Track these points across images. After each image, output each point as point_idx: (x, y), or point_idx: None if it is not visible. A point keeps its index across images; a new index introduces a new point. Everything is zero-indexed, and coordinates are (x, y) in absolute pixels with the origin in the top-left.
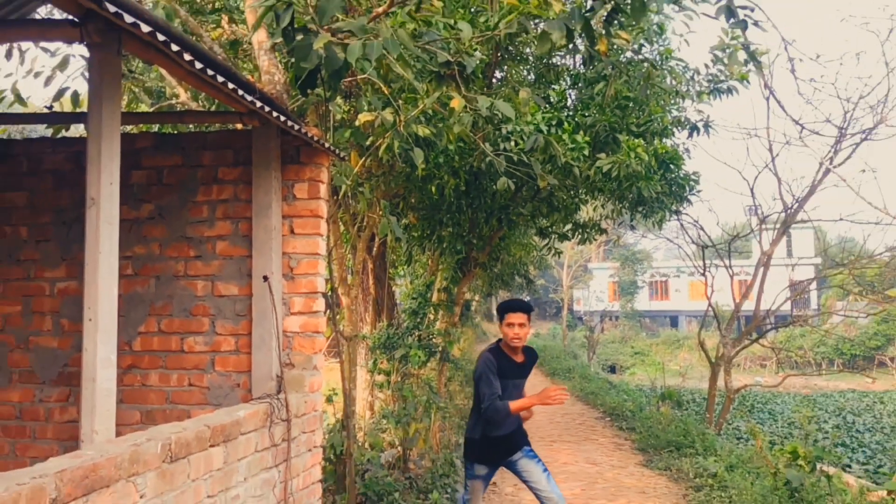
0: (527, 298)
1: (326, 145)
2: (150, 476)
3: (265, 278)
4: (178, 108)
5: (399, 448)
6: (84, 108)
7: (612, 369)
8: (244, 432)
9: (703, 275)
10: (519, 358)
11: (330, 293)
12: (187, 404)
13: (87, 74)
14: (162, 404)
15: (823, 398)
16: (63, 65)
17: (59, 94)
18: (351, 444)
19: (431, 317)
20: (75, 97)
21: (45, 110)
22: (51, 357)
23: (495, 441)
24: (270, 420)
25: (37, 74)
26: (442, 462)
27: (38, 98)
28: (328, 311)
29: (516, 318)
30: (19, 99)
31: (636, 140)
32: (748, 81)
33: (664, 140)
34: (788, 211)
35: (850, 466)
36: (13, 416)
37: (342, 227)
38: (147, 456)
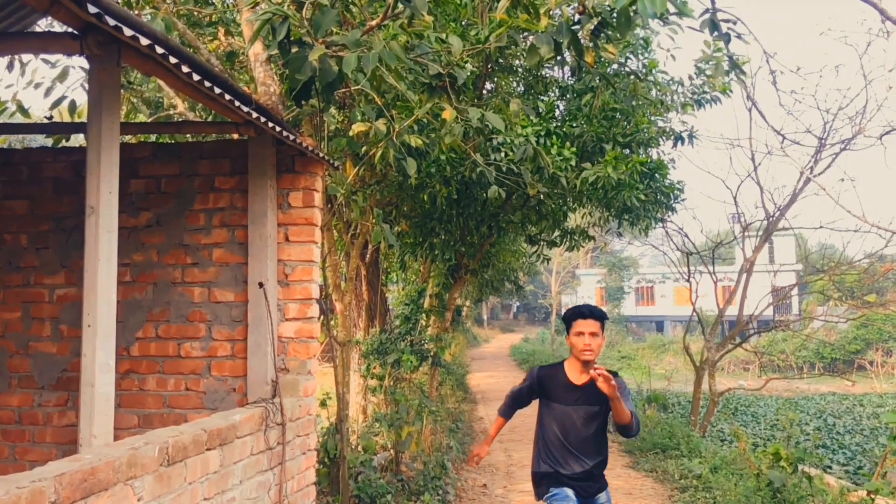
0: (516, 304)
1: (321, 155)
2: (148, 479)
3: (261, 285)
4: (176, 119)
5: (392, 451)
6: (82, 118)
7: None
8: (240, 436)
9: (688, 281)
10: (579, 378)
11: (324, 299)
12: (184, 408)
13: (86, 85)
14: (159, 408)
15: (805, 401)
16: (63, 76)
17: (57, 103)
18: (344, 447)
19: (423, 322)
20: (72, 106)
21: (46, 120)
22: (50, 362)
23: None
24: (266, 424)
25: (37, 85)
26: (434, 464)
27: (39, 108)
28: (322, 317)
29: (587, 325)
30: (21, 110)
31: (615, 151)
32: (730, 92)
33: (650, 150)
34: (770, 219)
35: (830, 467)
36: (13, 421)
37: (336, 235)
38: (145, 459)
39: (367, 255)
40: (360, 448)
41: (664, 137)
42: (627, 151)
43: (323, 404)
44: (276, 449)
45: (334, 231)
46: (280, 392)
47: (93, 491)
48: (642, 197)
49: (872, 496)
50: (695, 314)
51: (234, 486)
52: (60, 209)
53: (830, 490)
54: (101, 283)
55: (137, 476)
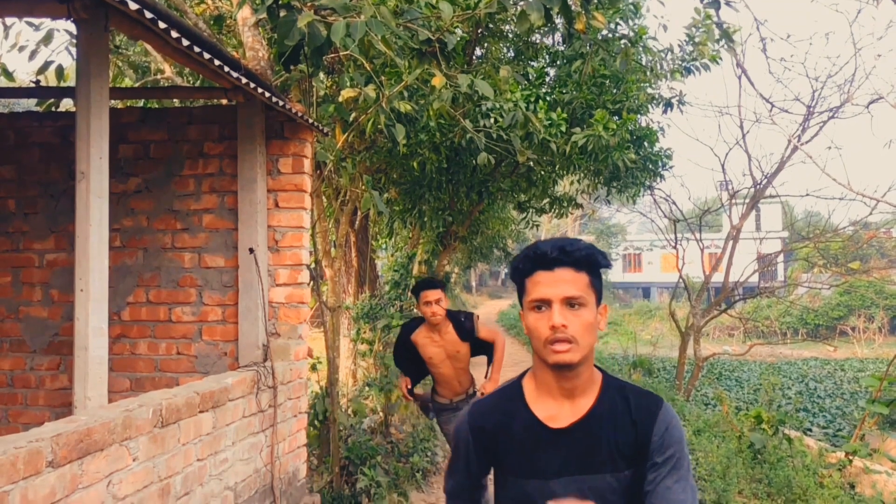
0: (504, 271)
1: (310, 121)
2: (143, 440)
3: (251, 250)
4: (163, 84)
5: (381, 414)
6: (69, 82)
7: None
8: (232, 399)
9: (675, 248)
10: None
11: (314, 265)
12: (176, 372)
13: (71, 48)
14: (151, 372)
15: (787, 366)
16: (47, 39)
17: (44, 68)
18: (335, 410)
19: None
20: (59, 71)
21: (32, 84)
22: (41, 327)
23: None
24: (257, 387)
25: (21, 48)
26: (422, 427)
27: (23, 72)
28: (312, 283)
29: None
30: (6, 73)
31: (603, 112)
32: (720, 60)
33: (639, 116)
34: (758, 186)
35: (810, 430)
36: (5, 384)
37: (325, 202)
38: (139, 421)
39: (357, 222)
40: (350, 411)
41: (653, 104)
42: (617, 118)
43: (313, 368)
44: (267, 411)
45: (323, 198)
46: (271, 356)
47: (89, 451)
48: (633, 157)
49: (850, 457)
50: (681, 281)
51: (226, 447)
52: (48, 175)
53: (810, 451)
54: (93, 248)
55: (132, 437)
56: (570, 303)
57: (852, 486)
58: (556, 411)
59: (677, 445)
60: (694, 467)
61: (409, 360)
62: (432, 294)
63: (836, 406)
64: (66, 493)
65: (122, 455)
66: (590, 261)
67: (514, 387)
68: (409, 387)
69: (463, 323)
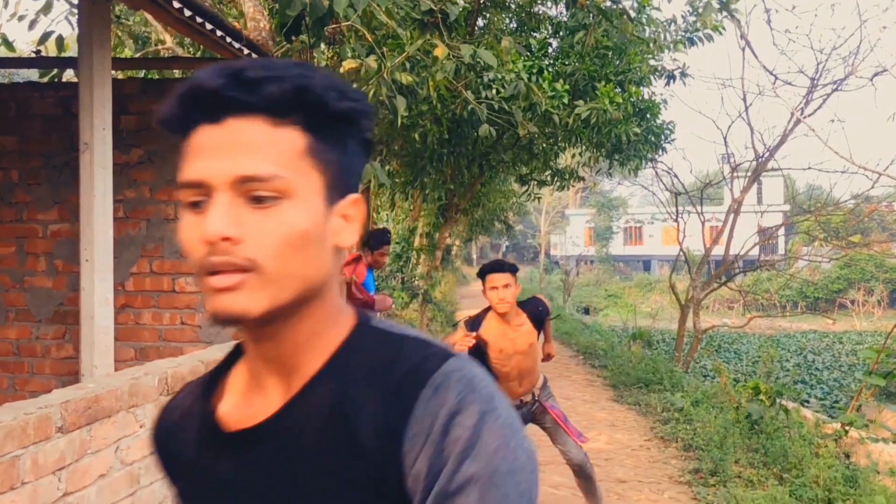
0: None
1: None
2: (149, 407)
3: None
4: (164, 55)
5: None
6: (69, 52)
7: (587, 311)
8: None
9: (676, 221)
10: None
11: None
12: (179, 342)
13: (70, 18)
14: (155, 342)
15: (786, 338)
16: (47, 8)
17: (44, 38)
18: None
19: (414, 261)
20: (60, 41)
21: (33, 55)
22: (46, 297)
23: None
24: None
25: (21, 18)
26: None
27: (23, 42)
28: None
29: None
30: (6, 43)
31: (609, 85)
32: (723, 30)
33: (642, 88)
34: (760, 159)
35: (808, 401)
36: (11, 353)
37: None
38: (145, 389)
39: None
40: None
41: (656, 76)
42: (619, 90)
43: None
44: None
45: None
46: None
47: (97, 417)
48: (637, 130)
49: (846, 428)
50: (682, 254)
51: None
52: (50, 146)
53: (806, 422)
54: (98, 218)
55: (139, 404)
56: (254, 192)
57: (847, 456)
58: (251, 401)
59: (488, 458)
60: (692, 437)
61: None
62: (500, 278)
63: (834, 378)
64: (76, 458)
65: (130, 422)
66: (303, 98)
67: (220, 365)
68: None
69: (536, 307)
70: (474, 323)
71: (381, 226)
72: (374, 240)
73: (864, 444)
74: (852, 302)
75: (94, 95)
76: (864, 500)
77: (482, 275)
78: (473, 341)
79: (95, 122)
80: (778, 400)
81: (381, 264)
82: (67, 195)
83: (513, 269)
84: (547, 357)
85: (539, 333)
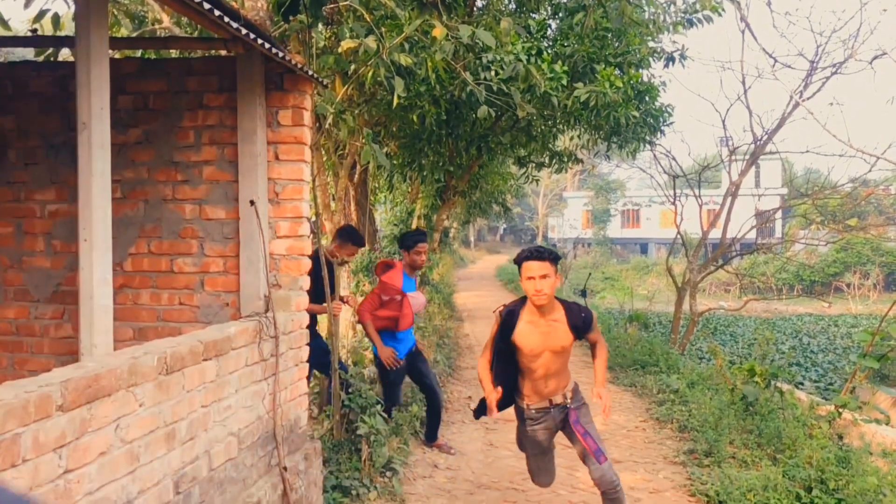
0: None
1: (310, 72)
2: (149, 387)
3: (252, 203)
4: (161, 34)
5: None
6: (65, 31)
7: (584, 293)
8: (235, 347)
9: (674, 204)
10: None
11: (314, 219)
12: (178, 322)
13: None
14: (154, 322)
15: (782, 321)
16: None
17: (40, 16)
18: (336, 360)
19: None
20: (56, 19)
21: (29, 33)
22: (44, 277)
23: None
24: (259, 337)
25: None
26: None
27: (18, 20)
28: (313, 236)
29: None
30: (2, 21)
31: (608, 70)
32: (722, 11)
33: (640, 71)
34: (758, 142)
35: (802, 384)
36: (10, 332)
37: (325, 155)
38: (145, 368)
39: (356, 176)
40: (350, 362)
41: (655, 58)
42: (619, 72)
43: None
44: (269, 360)
45: (322, 151)
46: (273, 307)
47: (97, 396)
48: (636, 113)
49: (840, 410)
50: (679, 237)
51: (230, 395)
52: (48, 125)
53: (801, 404)
54: (96, 198)
55: (138, 384)
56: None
57: (840, 438)
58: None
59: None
60: (687, 419)
61: (507, 361)
62: (537, 267)
63: (829, 361)
64: (77, 436)
65: (129, 400)
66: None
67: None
68: (499, 398)
69: (579, 313)
70: (510, 313)
71: (380, 209)
72: (408, 240)
73: (858, 426)
74: (848, 285)
75: (91, 75)
76: (856, 480)
77: (518, 262)
78: (499, 395)
79: (93, 102)
80: (773, 382)
81: (418, 264)
82: (65, 175)
83: (553, 258)
84: (598, 395)
85: (574, 339)
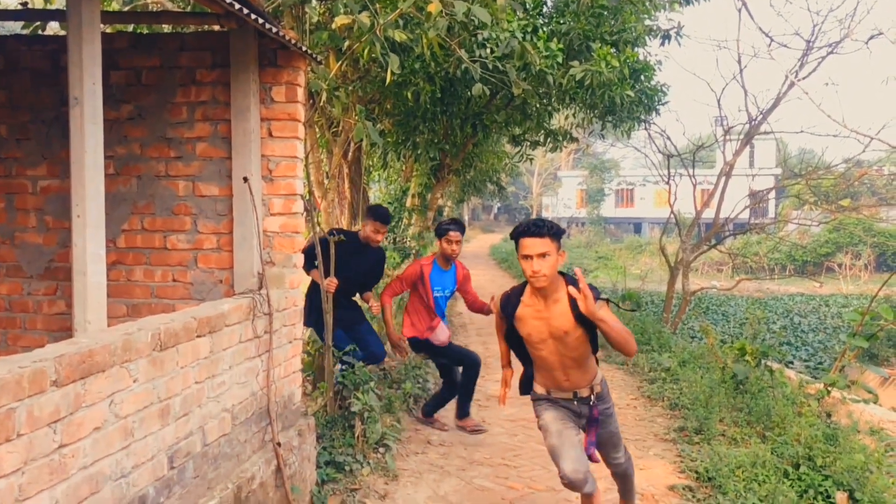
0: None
1: (303, 48)
2: (142, 363)
3: (245, 179)
4: (153, 9)
5: None
6: (55, 5)
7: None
8: (229, 324)
9: (668, 183)
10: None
11: (307, 196)
12: (172, 299)
13: None
14: (147, 298)
15: (774, 301)
16: None
17: None
18: (330, 338)
19: (406, 221)
20: None
21: (20, 7)
22: (36, 253)
23: None
24: (253, 313)
25: None
26: (414, 356)
27: None
28: (306, 213)
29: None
30: None
31: (603, 49)
32: None
33: (636, 49)
34: (753, 122)
35: (792, 363)
36: (3, 308)
37: (318, 132)
38: (139, 344)
39: (349, 154)
40: None
41: (651, 36)
42: (614, 50)
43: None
44: (263, 337)
45: (316, 128)
46: (266, 284)
47: (91, 372)
48: (630, 93)
49: (828, 388)
50: (673, 216)
51: (223, 371)
52: (39, 100)
53: (790, 383)
54: (89, 174)
55: (132, 360)
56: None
57: (829, 415)
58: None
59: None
60: (678, 397)
61: (522, 349)
62: (534, 244)
63: (819, 340)
64: (71, 411)
65: (123, 376)
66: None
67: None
68: (508, 383)
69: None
70: (507, 300)
71: (374, 188)
72: (440, 228)
73: (846, 404)
74: (840, 265)
75: (83, 49)
76: (843, 457)
77: (515, 237)
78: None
79: (85, 77)
80: (763, 361)
81: (449, 253)
82: (57, 150)
83: (554, 233)
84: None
85: (584, 330)
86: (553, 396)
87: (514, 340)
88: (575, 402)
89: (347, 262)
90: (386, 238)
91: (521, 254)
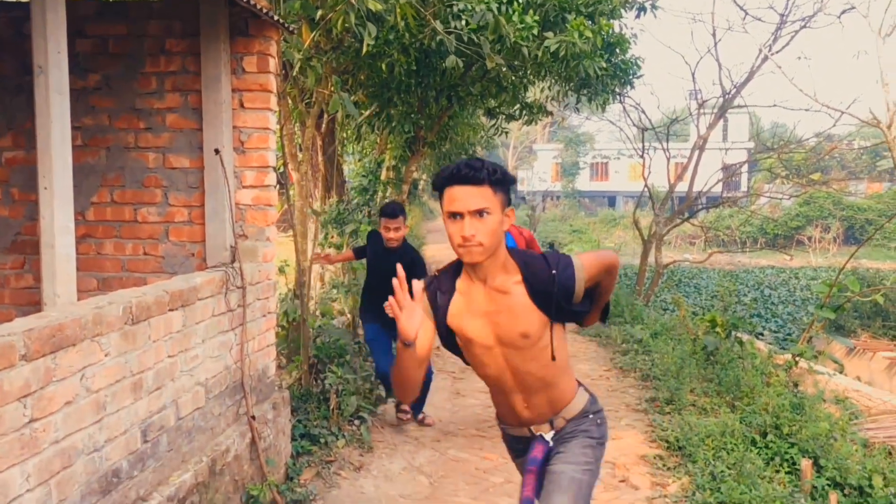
0: None
1: (275, 18)
2: (114, 336)
3: (216, 151)
4: None
5: (348, 315)
6: None
7: (552, 246)
8: (201, 298)
9: (642, 157)
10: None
11: (281, 169)
12: (143, 272)
13: None
14: (118, 272)
15: (745, 273)
16: None
17: None
18: (305, 311)
19: (381, 194)
20: None
21: None
22: (3, 226)
23: None
24: (226, 287)
25: None
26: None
27: None
28: (280, 187)
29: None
30: None
31: (581, 19)
32: None
33: (612, 21)
34: (726, 96)
35: (762, 334)
36: None
37: (291, 103)
38: (110, 318)
39: (323, 126)
40: (318, 313)
41: (627, 7)
42: (590, 22)
43: (281, 271)
44: (236, 311)
45: (289, 99)
46: (239, 257)
47: (61, 346)
48: (603, 65)
49: (796, 359)
50: (646, 190)
51: (196, 345)
52: (1, 69)
53: (759, 353)
54: (55, 145)
55: (103, 333)
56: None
57: (796, 385)
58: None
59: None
60: (650, 368)
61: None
62: (467, 195)
63: (788, 312)
64: (41, 385)
65: (94, 350)
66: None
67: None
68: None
69: (546, 269)
70: (438, 286)
71: (348, 160)
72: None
73: (812, 374)
74: (809, 238)
75: (47, 16)
76: (808, 425)
77: (439, 187)
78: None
79: (49, 45)
80: (733, 332)
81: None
82: (21, 121)
83: (498, 180)
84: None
85: (551, 322)
86: (509, 433)
87: (456, 350)
88: (533, 443)
89: (378, 265)
90: (360, 211)
91: (447, 210)
